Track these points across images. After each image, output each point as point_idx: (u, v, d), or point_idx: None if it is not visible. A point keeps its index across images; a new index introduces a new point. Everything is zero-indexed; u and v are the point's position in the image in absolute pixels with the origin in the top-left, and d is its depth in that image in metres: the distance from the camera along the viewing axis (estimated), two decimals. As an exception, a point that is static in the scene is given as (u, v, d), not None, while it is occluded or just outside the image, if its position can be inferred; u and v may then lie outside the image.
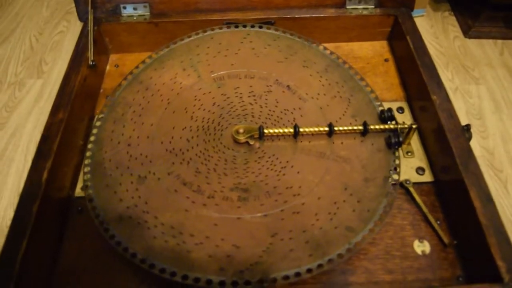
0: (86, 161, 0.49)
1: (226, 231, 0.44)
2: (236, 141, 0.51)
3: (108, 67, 0.65)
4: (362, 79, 0.56)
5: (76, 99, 0.53)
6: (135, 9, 0.64)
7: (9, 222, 0.41)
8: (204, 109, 0.54)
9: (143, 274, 0.42)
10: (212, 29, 0.62)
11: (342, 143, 0.50)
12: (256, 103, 0.55)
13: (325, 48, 0.59)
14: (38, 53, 1.00)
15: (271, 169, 0.49)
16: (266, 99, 0.55)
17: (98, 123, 0.53)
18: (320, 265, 0.41)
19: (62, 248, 0.46)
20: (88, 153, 0.50)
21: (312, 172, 0.48)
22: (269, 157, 0.50)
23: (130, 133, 0.52)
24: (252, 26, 0.62)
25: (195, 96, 0.56)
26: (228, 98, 0.55)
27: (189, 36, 0.61)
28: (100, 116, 0.54)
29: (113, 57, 0.66)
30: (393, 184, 0.46)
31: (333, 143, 0.50)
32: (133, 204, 0.46)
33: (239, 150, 0.51)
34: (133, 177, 0.48)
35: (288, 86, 0.56)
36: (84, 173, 0.48)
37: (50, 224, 0.45)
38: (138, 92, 0.56)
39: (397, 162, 0.48)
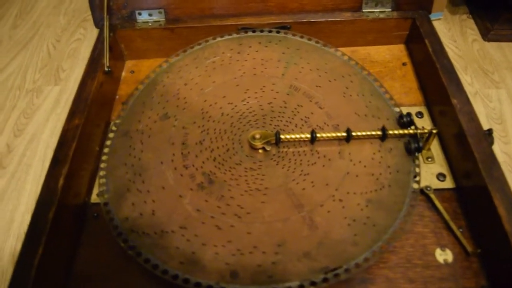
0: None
1: (162, 198, 0.45)
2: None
3: (124, 73, 0.65)
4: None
5: (92, 105, 0.53)
6: (150, 15, 0.64)
7: (26, 228, 0.41)
8: (258, 101, 0.54)
9: (159, 281, 0.42)
10: (336, 49, 0.59)
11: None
12: (301, 128, 0.51)
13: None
14: (55, 60, 1.01)
15: (247, 183, 0.47)
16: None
17: (181, 54, 0.58)
18: (175, 276, 0.40)
19: (78, 254, 0.46)
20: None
21: (275, 212, 0.44)
22: (258, 174, 0.48)
23: (194, 76, 0.55)
24: (369, 74, 0.56)
25: (263, 87, 0.56)
26: (285, 107, 0.54)
27: (309, 39, 0.60)
28: (191, 46, 0.59)
29: (128, 63, 0.67)
30: (413, 192, 0.45)
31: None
32: (141, 130, 0.51)
33: (245, 150, 0.50)
34: (162, 112, 0.52)
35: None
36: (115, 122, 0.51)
37: (66, 230, 0.45)
38: (231, 51, 0.58)
39: (417, 169, 0.47)
